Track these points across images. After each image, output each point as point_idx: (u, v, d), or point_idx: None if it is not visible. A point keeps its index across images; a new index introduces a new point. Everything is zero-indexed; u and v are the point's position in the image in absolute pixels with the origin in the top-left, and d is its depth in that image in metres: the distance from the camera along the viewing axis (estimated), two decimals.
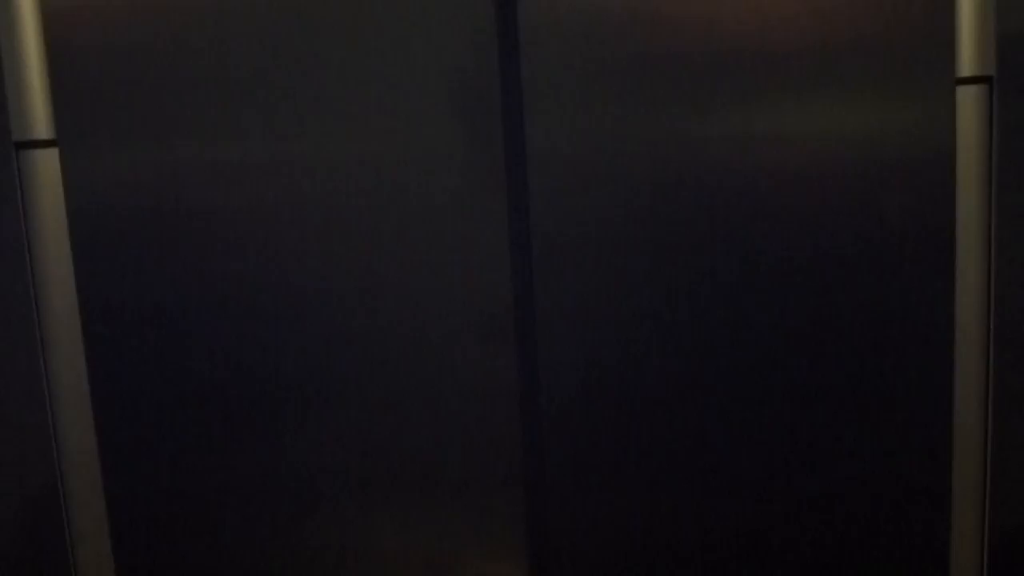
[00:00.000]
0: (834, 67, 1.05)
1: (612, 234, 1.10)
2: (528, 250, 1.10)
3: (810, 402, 1.14)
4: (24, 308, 1.07)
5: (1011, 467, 1.21)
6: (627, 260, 1.11)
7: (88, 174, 1.05)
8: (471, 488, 1.17)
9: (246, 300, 1.07)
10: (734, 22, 1.06)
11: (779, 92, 1.06)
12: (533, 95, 1.07)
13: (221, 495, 1.13)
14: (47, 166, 1.03)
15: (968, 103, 1.06)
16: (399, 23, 1.05)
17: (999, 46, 1.05)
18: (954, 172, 1.07)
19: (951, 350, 1.12)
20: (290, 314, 1.09)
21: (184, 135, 1.04)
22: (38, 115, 1.03)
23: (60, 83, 1.04)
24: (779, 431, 1.15)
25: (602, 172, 1.09)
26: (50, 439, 1.10)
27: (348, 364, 1.11)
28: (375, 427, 1.14)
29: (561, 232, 1.10)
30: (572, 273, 1.11)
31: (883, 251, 1.10)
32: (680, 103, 1.07)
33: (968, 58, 1.05)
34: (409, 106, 1.06)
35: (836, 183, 1.08)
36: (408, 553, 1.17)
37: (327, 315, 1.10)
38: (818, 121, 1.07)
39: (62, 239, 1.05)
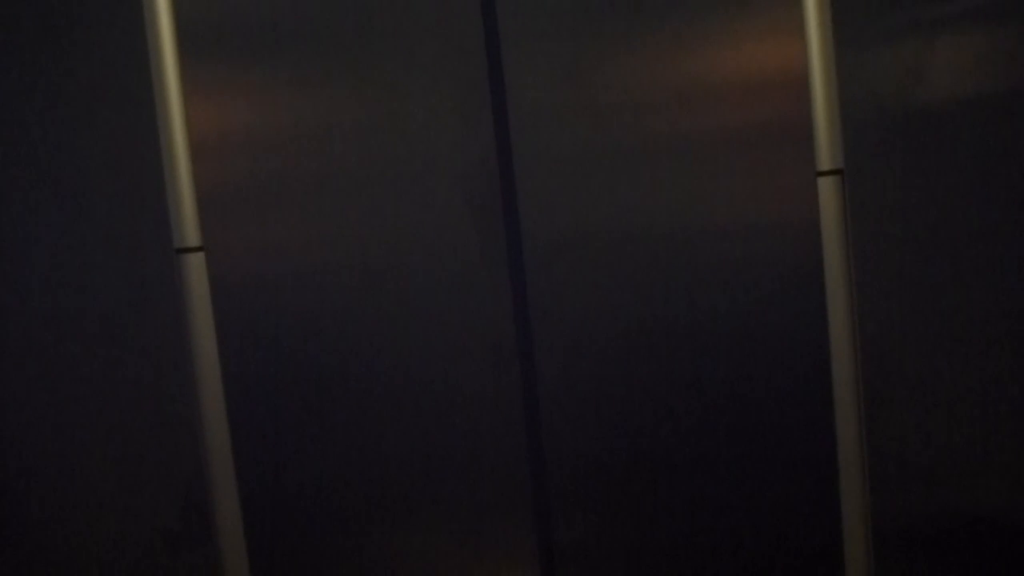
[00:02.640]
0: (724, 162, 1.21)
1: (595, 276, 1.22)
2: (524, 296, 1.23)
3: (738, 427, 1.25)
4: (180, 369, 1.20)
5: (886, 458, 1.31)
6: (610, 300, 1.22)
7: (227, 272, 1.20)
8: (481, 505, 1.25)
9: (330, 356, 1.22)
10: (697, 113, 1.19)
11: (693, 178, 1.20)
12: (524, 179, 1.20)
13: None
14: (197, 267, 1.19)
15: (828, 190, 1.21)
16: (414, 135, 1.19)
17: (845, 147, 1.21)
18: (820, 240, 1.21)
19: (828, 377, 1.24)
20: (342, 368, 1.21)
21: (279, 237, 1.19)
22: (190, 228, 1.18)
23: (206, 203, 1.18)
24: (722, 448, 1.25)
25: (579, 232, 1.21)
26: (198, 452, 1.23)
27: (377, 400, 1.22)
28: (391, 446, 1.23)
29: (552, 276, 1.22)
30: (565, 308, 1.22)
31: (774, 301, 1.23)
32: (644, 185, 1.20)
33: (824, 156, 1.20)
34: (427, 197, 1.19)
35: (731, 250, 1.22)
36: (424, 565, 1.26)
37: (370, 359, 1.22)
38: (723, 203, 1.22)
39: (208, 315, 1.19)
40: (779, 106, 1.20)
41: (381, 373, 1.23)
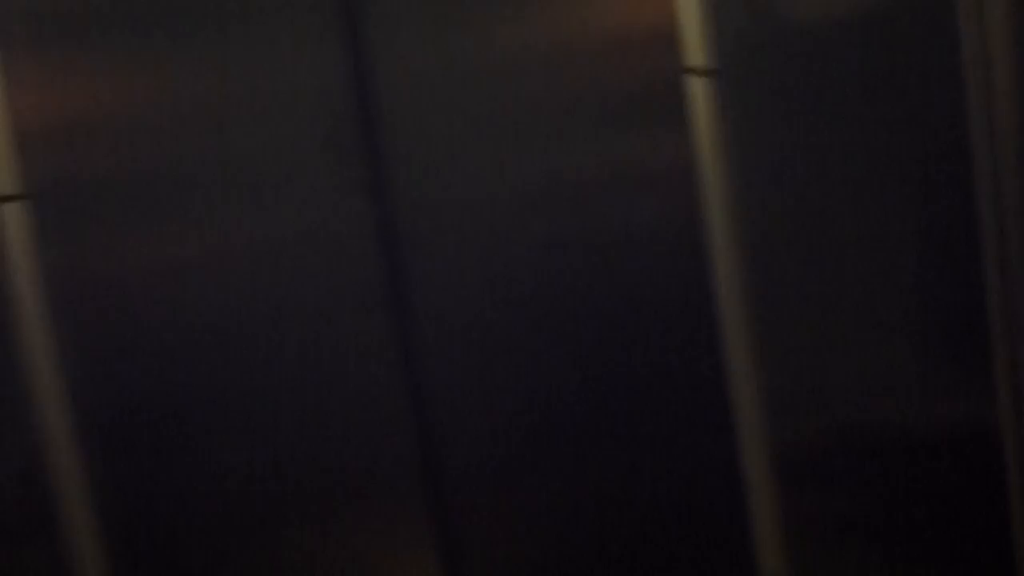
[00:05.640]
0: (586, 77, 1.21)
1: (471, 242, 1.22)
2: (400, 269, 1.21)
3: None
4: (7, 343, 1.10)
5: (779, 383, 1.34)
6: (487, 265, 1.23)
7: (52, 223, 1.09)
8: (372, 500, 1.22)
9: (184, 328, 1.15)
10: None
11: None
12: (392, 148, 1.18)
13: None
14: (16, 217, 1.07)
15: (698, 91, 1.21)
16: (271, 110, 1.14)
17: (719, 43, 1.22)
18: (693, 148, 1.22)
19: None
20: (219, 357, 1.16)
21: (127, 201, 1.12)
22: (5, 174, 1.06)
23: (26, 149, 1.06)
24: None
25: (451, 197, 1.21)
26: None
27: (242, 393, 1.17)
28: (265, 443, 1.18)
29: (427, 246, 1.21)
30: (441, 278, 1.22)
31: (654, 236, 1.26)
32: (508, 140, 1.22)
33: (693, 53, 1.21)
34: (286, 170, 1.15)
35: (606, 197, 1.24)
36: (322, 561, 1.21)
37: (247, 352, 1.16)
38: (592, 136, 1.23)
39: (34, 274, 1.08)
40: (646, 9, 1.21)
41: (243, 359, 1.17)
